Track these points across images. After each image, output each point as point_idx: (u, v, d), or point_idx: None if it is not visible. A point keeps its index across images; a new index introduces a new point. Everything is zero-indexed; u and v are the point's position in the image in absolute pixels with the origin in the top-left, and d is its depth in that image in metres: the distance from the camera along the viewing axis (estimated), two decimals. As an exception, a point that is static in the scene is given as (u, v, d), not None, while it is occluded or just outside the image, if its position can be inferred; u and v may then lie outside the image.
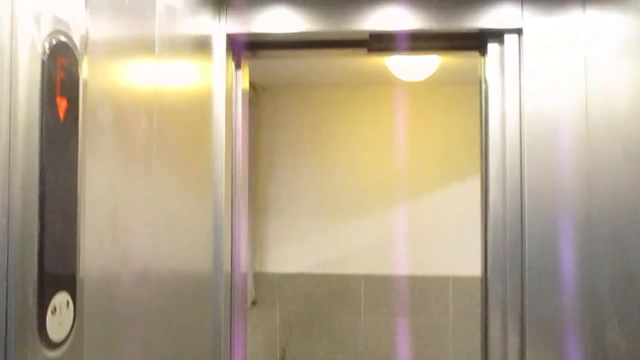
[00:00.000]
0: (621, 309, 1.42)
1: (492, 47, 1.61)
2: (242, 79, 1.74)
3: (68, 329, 0.75)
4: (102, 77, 0.92)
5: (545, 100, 1.50)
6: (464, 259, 3.67)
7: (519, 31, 1.54)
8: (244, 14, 1.60)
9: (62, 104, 0.73)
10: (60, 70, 0.73)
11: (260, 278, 3.79)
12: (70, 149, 0.75)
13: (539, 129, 1.50)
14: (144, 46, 1.13)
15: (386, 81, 3.53)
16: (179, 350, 1.32)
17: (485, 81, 1.63)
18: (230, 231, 1.66)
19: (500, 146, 1.57)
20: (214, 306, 1.57)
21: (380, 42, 1.67)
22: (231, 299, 1.66)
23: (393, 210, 3.73)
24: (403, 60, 2.89)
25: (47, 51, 0.70)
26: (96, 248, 0.87)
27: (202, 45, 1.52)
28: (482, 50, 1.66)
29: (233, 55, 1.69)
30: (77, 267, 0.77)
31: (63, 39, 0.75)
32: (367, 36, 1.65)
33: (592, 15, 1.50)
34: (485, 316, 1.59)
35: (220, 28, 1.60)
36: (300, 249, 3.78)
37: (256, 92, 3.78)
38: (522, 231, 1.49)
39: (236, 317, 1.68)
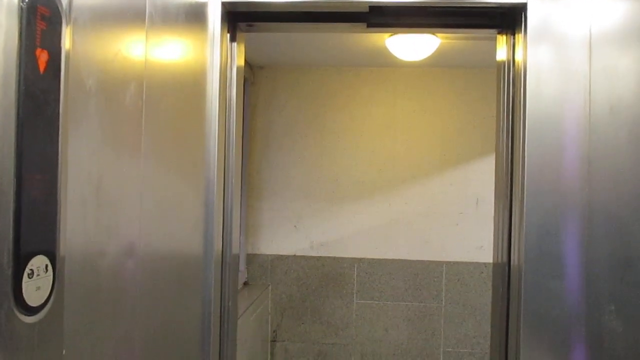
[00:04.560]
0: (619, 294, 1.40)
1: (517, 24, 1.52)
2: (238, 54, 1.69)
3: (47, 294, 0.71)
4: (88, 41, 0.87)
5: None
6: (458, 245, 3.66)
7: (523, 8, 1.49)
8: (240, -18, 1.54)
9: (42, 56, 0.68)
10: (41, 20, 0.68)
11: (252, 259, 3.77)
12: (51, 104, 0.70)
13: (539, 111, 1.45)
14: (134, 12, 1.08)
15: (385, 63, 3.49)
16: (167, 328, 1.28)
17: (515, 61, 1.55)
18: (222, 211, 1.62)
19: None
20: (204, 286, 1.54)
21: (380, 16, 1.61)
22: (222, 280, 1.63)
23: (389, 195, 3.71)
24: (402, 39, 2.83)
25: (27, -3, 0.65)
26: (78, 214, 0.82)
27: (196, 14, 1.47)
28: (506, 29, 1.58)
29: (228, 26, 1.63)
30: (57, 229, 0.73)
31: (45, -14, 0.69)
32: (366, 8, 1.58)
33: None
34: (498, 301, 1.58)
35: (215, -4, 1.55)
36: (294, 231, 3.75)
37: (252, 71, 3.73)
38: (520, 215, 1.46)
39: (227, 298, 1.65)
